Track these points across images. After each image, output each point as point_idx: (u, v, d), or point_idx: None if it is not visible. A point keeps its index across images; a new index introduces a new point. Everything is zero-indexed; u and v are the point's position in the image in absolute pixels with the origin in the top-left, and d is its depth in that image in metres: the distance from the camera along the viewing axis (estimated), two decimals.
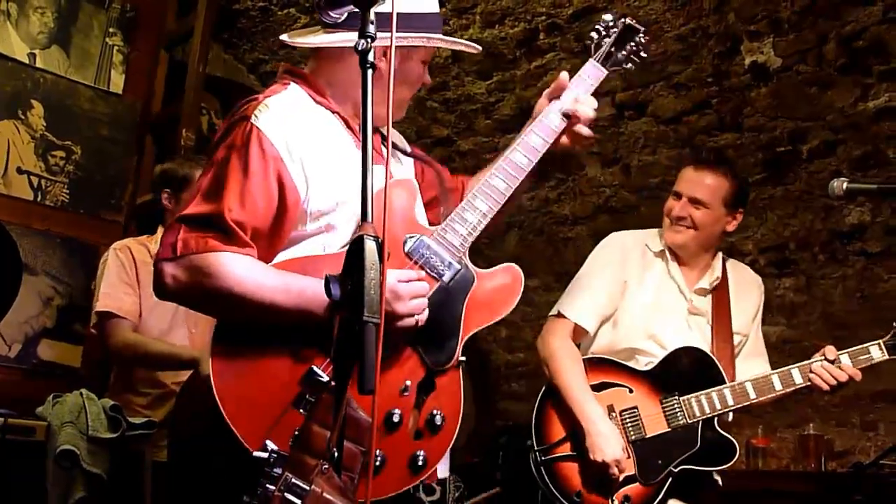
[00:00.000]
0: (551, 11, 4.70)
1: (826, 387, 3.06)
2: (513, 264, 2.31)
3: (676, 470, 3.07)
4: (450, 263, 2.17)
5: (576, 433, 3.07)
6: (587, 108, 2.54)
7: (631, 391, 3.16)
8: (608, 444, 2.99)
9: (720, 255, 3.44)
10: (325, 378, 1.90)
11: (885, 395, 4.69)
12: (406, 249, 2.14)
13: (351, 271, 1.53)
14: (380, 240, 1.55)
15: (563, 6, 4.65)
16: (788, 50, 4.24)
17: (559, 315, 3.30)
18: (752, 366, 3.31)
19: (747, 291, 3.43)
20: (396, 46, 2.17)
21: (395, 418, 2.01)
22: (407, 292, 1.99)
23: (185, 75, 5.29)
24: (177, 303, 2.14)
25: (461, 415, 2.12)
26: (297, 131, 2.11)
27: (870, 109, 4.20)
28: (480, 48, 2.41)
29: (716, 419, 3.11)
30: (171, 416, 3.29)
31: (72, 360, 4.98)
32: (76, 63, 5.25)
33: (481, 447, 5.87)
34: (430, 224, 2.28)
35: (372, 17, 1.70)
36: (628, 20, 2.65)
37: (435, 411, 2.07)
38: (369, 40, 1.68)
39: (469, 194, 2.29)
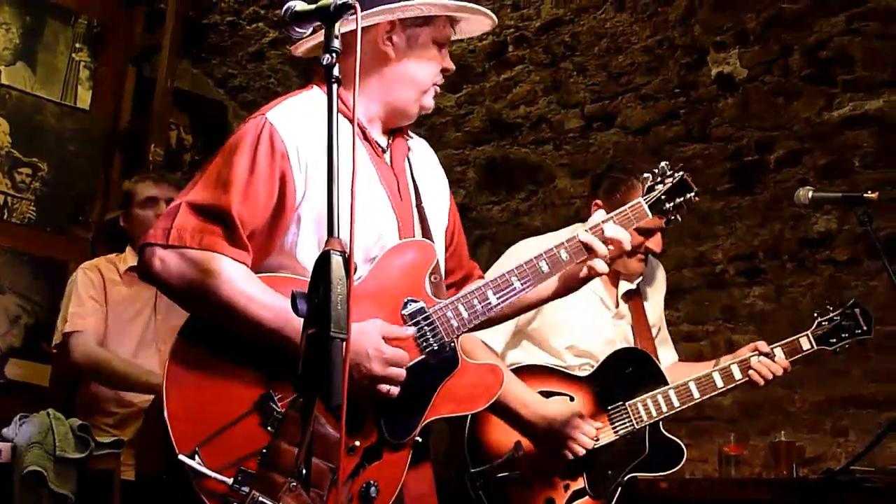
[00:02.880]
0: (519, 24, 4.72)
1: (762, 382, 3.08)
2: (499, 365, 2.23)
3: (626, 479, 2.99)
4: (441, 342, 2.10)
5: (519, 448, 2.87)
6: (621, 239, 2.40)
7: (572, 399, 3.02)
8: (564, 419, 2.85)
9: None
10: (280, 411, 1.85)
11: (856, 401, 4.72)
12: (404, 312, 2.07)
13: (317, 286, 1.52)
14: (346, 255, 1.54)
15: (530, 19, 4.67)
16: (754, 61, 4.29)
17: None
18: (665, 354, 3.32)
19: (654, 281, 3.43)
20: (398, 20, 2.15)
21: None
22: (390, 357, 1.93)
23: (153, 90, 5.27)
24: (157, 287, 2.02)
25: (394, 497, 1.99)
26: (308, 136, 2.07)
27: (835, 119, 4.24)
28: (495, 18, 2.28)
29: (660, 422, 3.06)
30: (139, 436, 3.25)
31: (40, 379, 4.90)
32: (42, 79, 5.20)
33: (455, 464, 5.85)
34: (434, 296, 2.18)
35: (337, 31, 1.70)
36: (686, 175, 2.61)
37: (372, 482, 1.96)
38: (334, 55, 1.67)
39: (484, 283, 2.22)
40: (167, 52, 5.25)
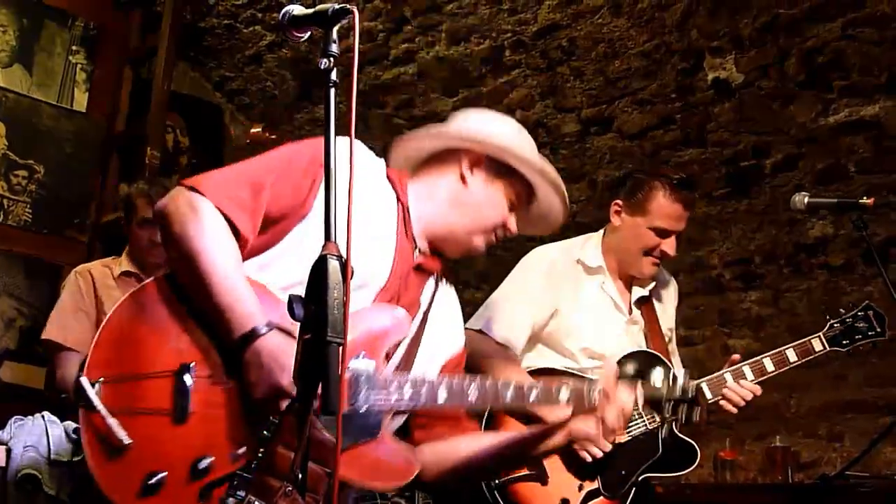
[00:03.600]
0: (516, 29, 4.72)
1: (734, 409, 3.08)
2: (413, 459, 2.04)
3: (640, 479, 3.02)
4: (367, 401, 1.92)
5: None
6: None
7: None
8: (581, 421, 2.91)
9: None
10: (189, 383, 1.76)
11: (851, 407, 4.74)
12: (352, 360, 1.93)
13: (314, 291, 1.51)
14: (343, 259, 1.54)
15: (527, 23, 4.68)
16: (750, 66, 4.29)
17: (480, 332, 3.08)
18: (676, 363, 3.32)
19: (666, 291, 3.44)
20: (480, 154, 2.21)
21: (203, 465, 1.76)
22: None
23: (150, 93, 5.26)
24: (156, 221, 2.00)
25: None
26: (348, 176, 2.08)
27: (831, 124, 4.25)
28: (564, 208, 2.37)
29: (675, 423, 3.07)
30: None
31: (34, 382, 4.90)
32: (39, 81, 5.20)
33: None
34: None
35: (334, 35, 1.70)
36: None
37: (239, 496, 1.73)
38: (332, 59, 1.68)
39: (440, 378, 2.07)
40: (164, 54, 5.25)
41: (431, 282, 2.26)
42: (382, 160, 2.26)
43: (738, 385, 3.06)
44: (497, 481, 2.90)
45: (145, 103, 5.29)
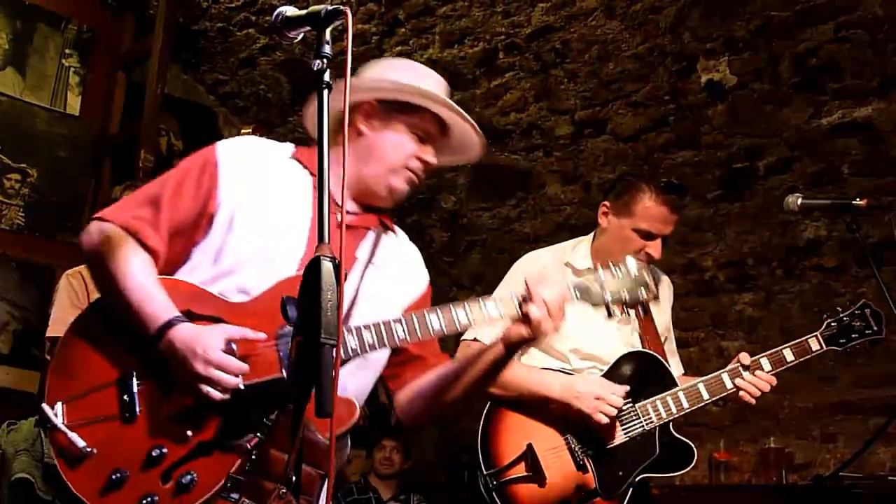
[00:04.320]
0: (510, 31, 4.73)
1: (752, 400, 3.08)
2: (355, 402, 1.97)
3: (637, 480, 3.00)
4: None
5: (531, 451, 2.93)
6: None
7: None
8: (588, 383, 2.93)
9: None
10: (135, 388, 1.92)
11: (844, 407, 4.74)
12: (279, 331, 1.92)
13: (307, 293, 1.51)
14: (336, 261, 1.53)
15: (521, 26, 4.68)
16: (744, 68, 4.31)
17: (475, 341, 3.01)
18: (673, 364, 3.31)
19: (661, 292, 3.43)
20: (371, 101, 2.21)
21: (156, 453, 1.86)
22: (216, 360, 1.84)
23: (143, 96, 5.26)
24: (85, 258, 2.17)
25: (210, 494, 1.83)
26: (251, 164, 2.18)
27: (824, 126, 4.26)
28: (480, 141, 2.33)
29: (671, 423, 3.06)
30: None
31: (28, 386, 4.88)
32: (32, 85, 5.19)
33: (448, 466, 5.84)
34: None
35: (328, 37, 1.70)
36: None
37: (192, 473, 1.84)
38: (325, 61, 1.68)
39: (392, 321, 2.05)
40: (157, 57, 5.24)
41: (371, 236, 2.27)
42: (291, 144, 2.31)
43: (755, 377, 3.06)
44: (495, 482, 2.90)
45: (139, 106, 5.28)
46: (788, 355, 3.12)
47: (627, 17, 4.39)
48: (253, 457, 1.72)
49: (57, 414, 1.91)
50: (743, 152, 4.58)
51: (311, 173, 2.21)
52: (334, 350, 1.47)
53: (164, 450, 1.86)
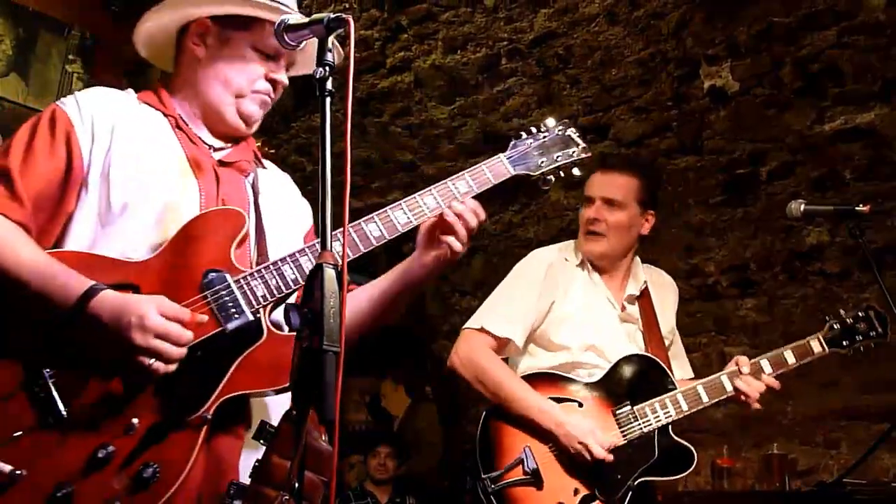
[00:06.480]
0: (512, 37, 4.73)
1: (755, 403, 3.08)
2: None
3: (636, 483, 2.98)
4: (242, 311, 1.89)
5: (528, 454, 2.94)
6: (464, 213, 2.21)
7: (581, 405, 3.03)
8: (580, 426, 2.91)
9: (637, 259, 3.40)
10: (48, 386, 1.73)
11: (848, 413, 4.74)
12: (203, 282, 1.88)
13: (310, 299, 1.51)
14: (339, 268, 1.53)
15: (523, 32, 4.69)
16: (746, 73, 4.31)
17: (481, 330, 3.12)
18: (679, 368, 3.31)
19: (665, 294, 3.43)
20: (213, 22, 2.10)
21: (102, 454, 1.71)
22: (154, 327, 1.73)
23: None
24: None
25: (180, 482, 1.75)
26: (107, 114, 2.03)
27: (826, 132, 4.27)
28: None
29: (670, 426, 3.05)
30: None
31: None
32: (35, 91, 5.20)
33: (450, 471, 5.84)
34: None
35: (330, 45, 1.70)
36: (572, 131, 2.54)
37: (151, 463, 1.73)
38: (328, 68, 1.67)
39: (299, 250, 2.01)
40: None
41: (251, 173, 2.18)
42: (131, 90, 2.18)
43: (754, 378, 3.06)
44: (493, 486, 2.90)
45: None
46: (789, 357, 3.12)
47: (630, 22, 4.39)
48: (257, 464, 1.71)
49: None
50: (746, 157, 4.58)
51: (165, 114, 2.11)
52: (337, 357, 1.47)
53: (111, 447, 1.70)
